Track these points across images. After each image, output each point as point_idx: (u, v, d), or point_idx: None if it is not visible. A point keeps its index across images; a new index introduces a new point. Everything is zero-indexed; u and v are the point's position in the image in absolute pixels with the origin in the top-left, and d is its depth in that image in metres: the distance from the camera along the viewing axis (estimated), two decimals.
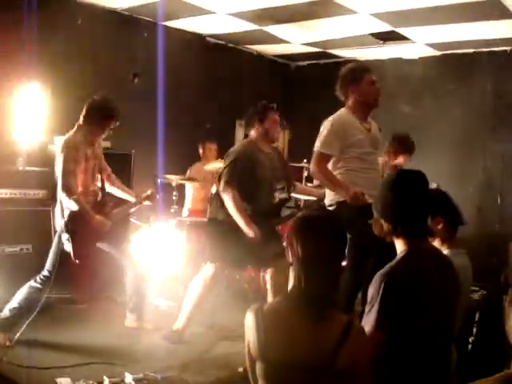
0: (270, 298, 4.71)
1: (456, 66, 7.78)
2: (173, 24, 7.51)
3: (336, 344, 2.13)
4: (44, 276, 4.51)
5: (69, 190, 4.41)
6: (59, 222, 4.54)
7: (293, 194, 5.31)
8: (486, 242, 6.87)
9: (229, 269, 5.00)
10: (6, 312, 4.49)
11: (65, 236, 4.42)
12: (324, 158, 4.44)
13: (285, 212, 5.16)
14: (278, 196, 4.81)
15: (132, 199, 5.03)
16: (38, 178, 5.54)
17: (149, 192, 5.05)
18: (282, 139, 8.94)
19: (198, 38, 8.07)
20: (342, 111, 4.57)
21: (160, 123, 7.01)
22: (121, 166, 5.92)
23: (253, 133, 4.85)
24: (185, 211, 7.06)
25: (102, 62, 6.71)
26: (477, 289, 5.17)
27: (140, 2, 6.57)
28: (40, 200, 5.52)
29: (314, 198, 5.46)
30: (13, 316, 4.46)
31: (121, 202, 5.04)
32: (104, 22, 6.89)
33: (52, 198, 5.59)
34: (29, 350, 4.34)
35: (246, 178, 4.57)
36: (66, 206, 4.46)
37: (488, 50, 7.45)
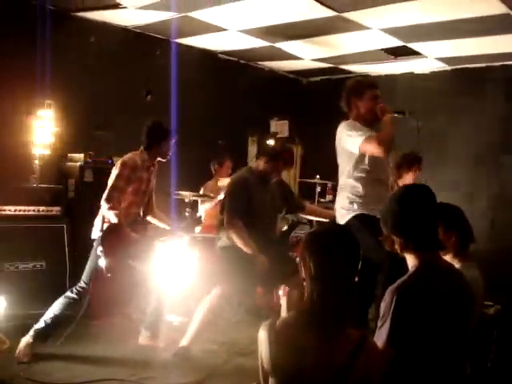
0: (283, 314, 4.69)
1: (468, 80, 7.77)
2: (185, 41, 7.57)
3: (349, 360, 2.11)
4: (81, 287, 4.56)
5: (109, 202, 4.45)
6: (97, 233, 4.58)
7: (302, 215, 5.32)
8: (500, 256, 6.82)
9: (238, 294, 5.00)
10: (41, 323, 4.51)
11: (99, 249, 4.43)
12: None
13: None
14: (289, 217, 4.85)
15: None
16: (52, 195, 5.59)
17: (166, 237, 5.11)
18: (295, 155, 8.93)
19: (211, 55, 8.13)
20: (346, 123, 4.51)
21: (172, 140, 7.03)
22: None
23: (259, 163, 4.88)
24: (197, 227, 7.05)
25: (115, 79, 6.76)
26: (491, 303, 5.11)
27: (153, 20, 6.64)
28: (53, 216, 5.56)
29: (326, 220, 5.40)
30: (48, 327, 4.50)
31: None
32: (117, 40, 6.96)
33: (65, 214, 5.65)
34: (44, 365, 4.38)
35: (245, 207, 4.63)
36: (106, 217, 4.50)
37: (500, 63, 7.44)
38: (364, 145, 4.15)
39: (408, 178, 5.83)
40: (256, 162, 4.96)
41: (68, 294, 4.56)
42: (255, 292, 5.09)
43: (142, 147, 4.78)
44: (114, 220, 4.44)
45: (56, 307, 4.52)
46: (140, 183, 4.71)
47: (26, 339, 4.46)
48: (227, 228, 4.65)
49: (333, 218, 4.93)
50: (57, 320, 4.50)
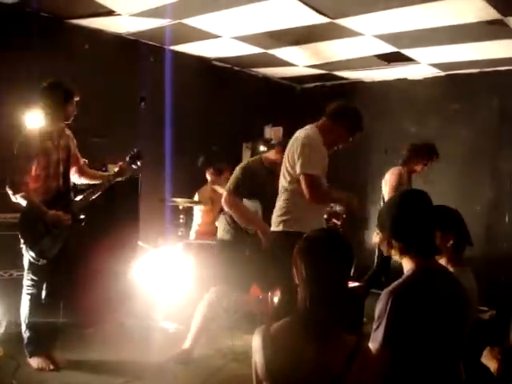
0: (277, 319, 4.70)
1: (461, 85, 7.80)
2: (179, 48, 7.58)
3: (343, 365, 2.11)
4: None
5: (12, 187, 4.28)
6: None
7: None
8: (494, 261, 6.84)
9: (233, 290, 5.00)
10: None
11: (21, 242, 4.33)
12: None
13: None
14: None
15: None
16: None
17: (117, 168, 4.82)
18: None
19: (204, 62, 8.14)
20: (313, 130, 4.27)
21: (167, 146, 7.04)
22: (128, 189, 5.95)
23: (269, 154, 4.98)
24: (192, 233, 7.06)
25: (109, 86, 6.76)
26: (486, 308, 5.13)
27: (146, 27, 6.64)
28: None
29: None
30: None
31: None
32: (111, 47, 6.96)
33: None
34: (38, 373, 4.38)
35: (248, 191, 4.67)
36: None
37: (493, 69, 7.46)
38: (306, 179, 3.99)
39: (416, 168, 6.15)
40: (266, 154, 5.04)
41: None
42: (250, 288, 5.09)
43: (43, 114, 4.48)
44: (24, 203, 4.27)
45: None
46: (46, 154, 4.40)
47: None
48: (227, 207, 4.70)
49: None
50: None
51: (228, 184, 4.88)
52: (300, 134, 4.24)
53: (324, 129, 4.27)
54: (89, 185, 4.85)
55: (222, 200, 4.80)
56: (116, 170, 4.82)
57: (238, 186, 4.78)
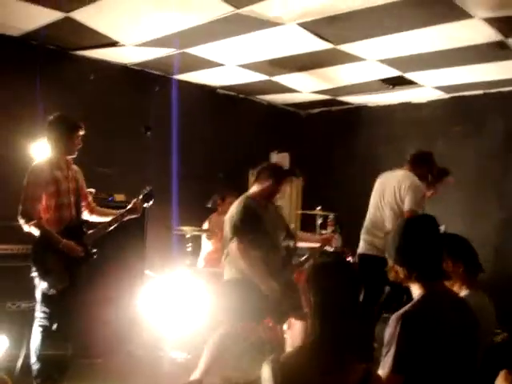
0: (288, 349, 4.65)
1: (466, 108, 7.80)
2: (184, 77, 7.64)
3: None
4: None
5: (25, 216, 4.29)
6: None
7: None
8: (505, 283, 6.76)
9: (247, 323, 4.93)
10: None
11: (32, 270, 4.29)
12: None
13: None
14: (285, 244, 4.82)
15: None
16: None
17: (130, 205, 4.81)
18: (296, 187, 8.96)
19: (209, 90, 8.20)
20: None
21: (173, 175, 7.06)
22: (135, 217, 5.93)
23: (256, 187, 4.87)
24: (201, 261, 7.02)
25: (114, 116, 6.81)
26: (499, 331, 5.06)
27: (151, 57, 6.71)
28: None
29: (317, 245, 5.38)
30: None
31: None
32: (116, 77, 7.04)
33: None
34: None
35: (253, 234, 4.58)
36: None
37: (497, 90, 7.47)
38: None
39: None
40: (255, 187, 4.91)
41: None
42: (261, 325, 5.03)
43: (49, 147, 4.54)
44: (37, 232, 4.28)
45: None
46: (57, 183, 4.43)
47: None
48: (239, 255, 4.59)
49: (320, 242, 5.02)
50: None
51: (237, 233, 4.66)
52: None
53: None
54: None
55: (233, 247, 4.66)
56: (129, 207, 4.82)
57: (243, 232, 4.61)
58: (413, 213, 4.95)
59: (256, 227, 4.60)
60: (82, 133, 4.58)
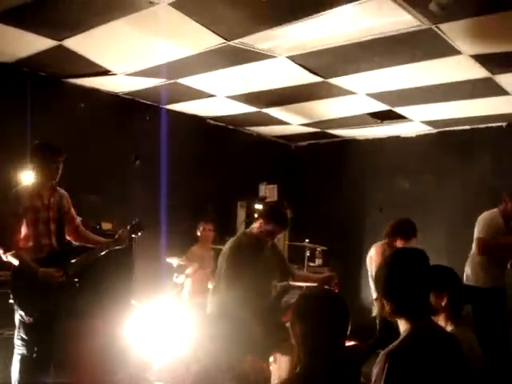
0: (274, 381, 4.59)
1: (453, 142, 7.87)
2: (174, 107, 7.68)
3: None
4: None
5: (3, 246, 4.27)
6: None
7: (293, 283, 5.28)
8: None
9: (227, 361, 4.87)
10: None
11: (10, 300, 4.24)
12: None
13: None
14: (281, 284, 4.79)
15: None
16: None
17: (117, 235, 4.75)
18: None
19: (199, 121, 8.23)
20: None
21: (162, 204, 7.04)
22: (121, 248, 5.90)
23: (256, 225, 4.79)
24: (185, 293, 6.96)
25: (104, 144, 6.80)
26: None
27: (142, 86, 6.74)
28: None
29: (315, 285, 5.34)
30: None
31: None
32: (106, 106, 7.05)
33: None
34: None
35: (241, 274, 4.55)
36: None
37: (484, 126, 7.56)
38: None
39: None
40: (251, 226, 4.89)
41: None
42: (245, 358, 4.97)
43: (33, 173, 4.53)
44: (15, 262, 4.24)
45: None
46: (35, 212, 4.39)
47: None
48: (225, 292, 4.54)
49: (320, 282, 4.96)
50: None
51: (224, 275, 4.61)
52: None
53: None
54: (86, 247, 4.80)
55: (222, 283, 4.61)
56: (116, 237, 4.78)
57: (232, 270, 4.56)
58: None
59: (244, 267, 4.56)
60: (62, 158, 4.56)
